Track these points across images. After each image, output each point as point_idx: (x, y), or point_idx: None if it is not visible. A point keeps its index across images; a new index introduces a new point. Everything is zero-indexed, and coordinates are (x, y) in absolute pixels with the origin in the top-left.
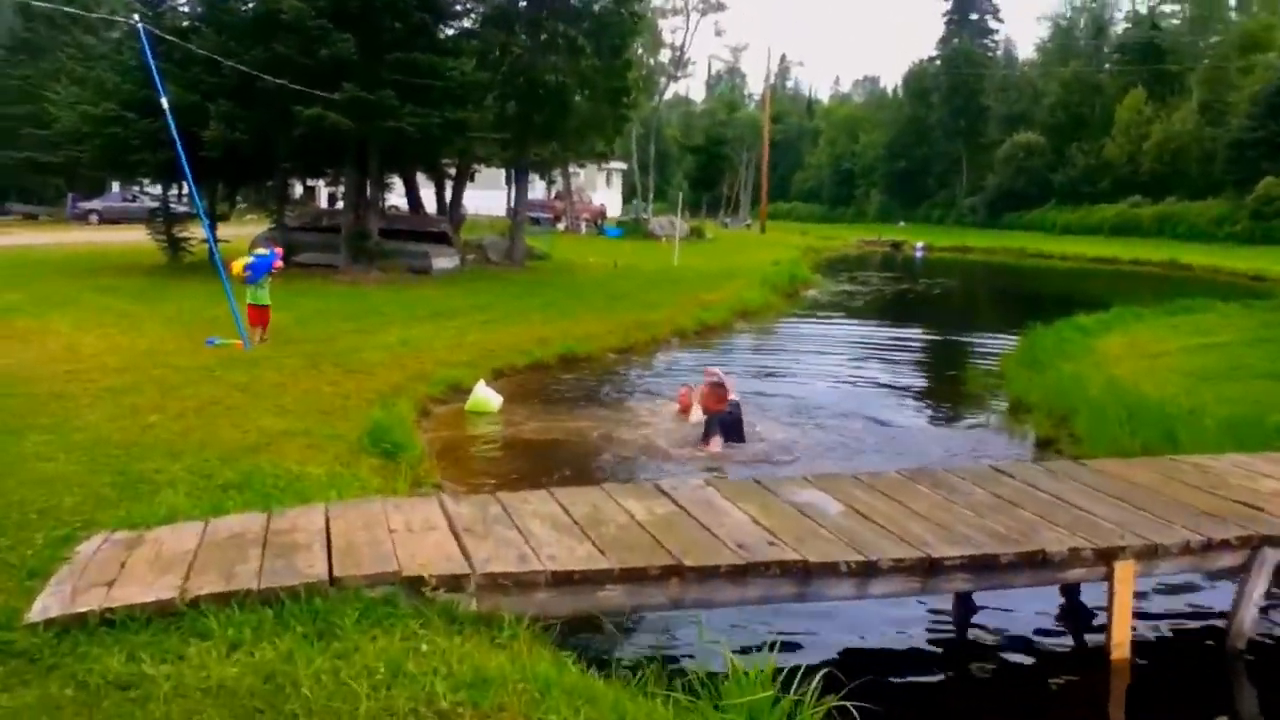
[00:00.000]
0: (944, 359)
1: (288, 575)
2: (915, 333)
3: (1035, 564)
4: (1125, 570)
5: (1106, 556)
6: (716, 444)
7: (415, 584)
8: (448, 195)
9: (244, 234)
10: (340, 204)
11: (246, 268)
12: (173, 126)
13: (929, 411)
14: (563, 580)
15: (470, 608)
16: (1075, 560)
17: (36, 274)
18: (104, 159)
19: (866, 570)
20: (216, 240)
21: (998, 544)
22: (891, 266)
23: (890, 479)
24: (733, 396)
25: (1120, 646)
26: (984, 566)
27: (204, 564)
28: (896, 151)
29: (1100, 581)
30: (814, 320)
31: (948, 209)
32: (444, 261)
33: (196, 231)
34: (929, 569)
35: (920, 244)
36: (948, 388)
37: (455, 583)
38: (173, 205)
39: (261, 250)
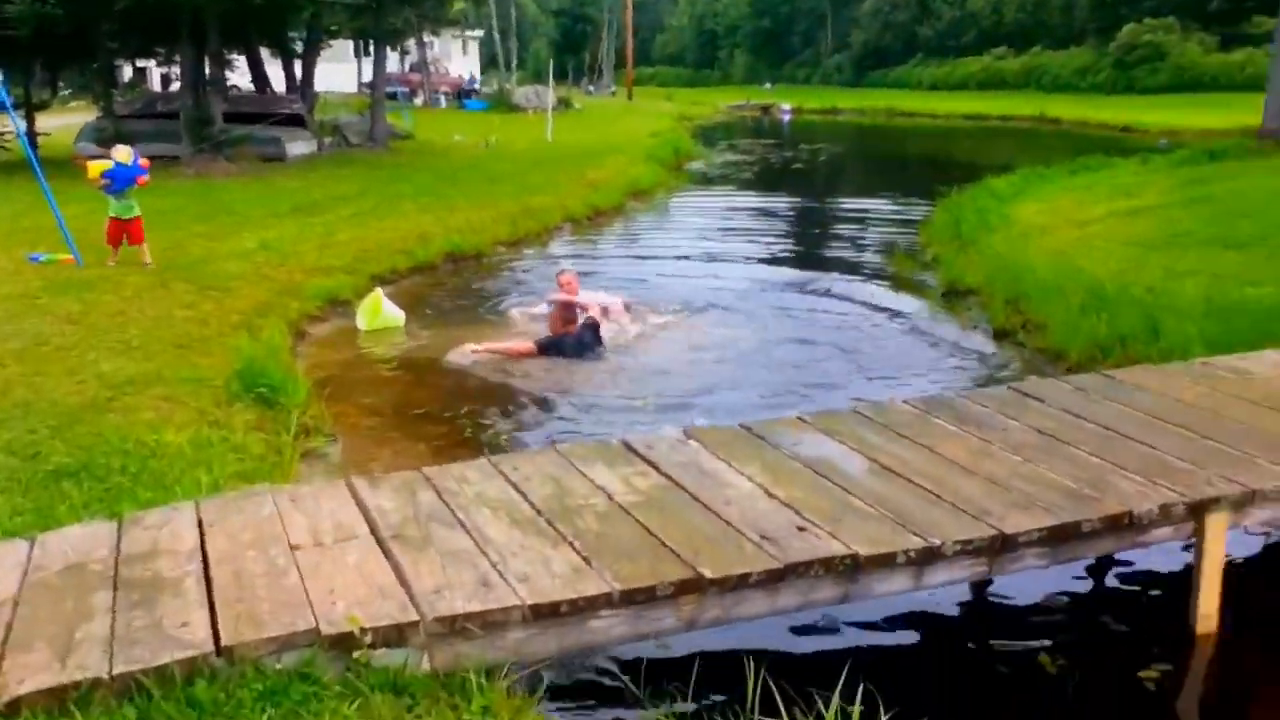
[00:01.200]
0: (854, 232)
1: (154, 645)
2: (813, 203)
3: (1119, 528)
4: (1218, 525)
5: (1197, 511)
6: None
7: (342, 642)
8: (298, 73)
9: (69, 124)
10: (175, 85)
11: (105, 174)
12: None
13: (860, 299)
14: (544, 614)
15: (422, 667)
16: (1164, 518)
17: None
18: None
19: (927, 557)
20: (35, 134)
21: (1074, 506)
22: (766, 132)
23: (902, 413)
24: (590, 311)
25: (1208, 619)
26: (1063, 538)
27: (29, 627)
28: (760, 9)
29: (1184, 540)
30: (707, 196)
31: (814, 68)
32: (299, 147)
33: (9, 125)
34: (1000, 547)
35: (786, 106)
36: (870, 267)
37: (398, 635)
38: None
39: (121, 154)
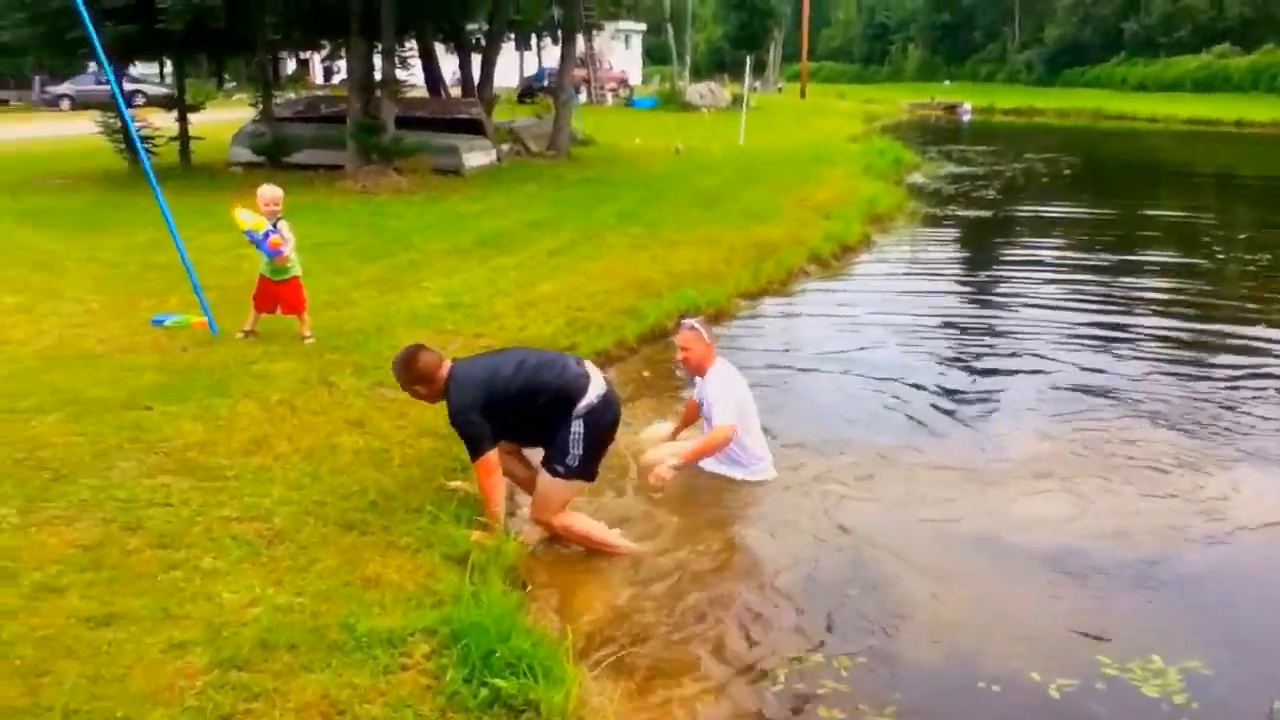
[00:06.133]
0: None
1: None
2: (1119, 232)
3: None
4: None
5: None
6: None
7: None
8: (475, 72)
9: (226, 121)
10: (339, 78)
11: (246, 233)
12: None
13: None
14: None
15: None
16: None
17: None
18: (38, 37)
19: None
20: (188, 139)
21: None
22: (965, 137)
23: None
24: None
25: None
26: None
27: None
28: (938, 1)
29: None
30: (964, 221)
31: (998, 65)
32: (478, 158)
33: (161, 125)
34: None
35: (967, 105)
36: None
37: None
38: (142, 89)
39: (258, 222)
